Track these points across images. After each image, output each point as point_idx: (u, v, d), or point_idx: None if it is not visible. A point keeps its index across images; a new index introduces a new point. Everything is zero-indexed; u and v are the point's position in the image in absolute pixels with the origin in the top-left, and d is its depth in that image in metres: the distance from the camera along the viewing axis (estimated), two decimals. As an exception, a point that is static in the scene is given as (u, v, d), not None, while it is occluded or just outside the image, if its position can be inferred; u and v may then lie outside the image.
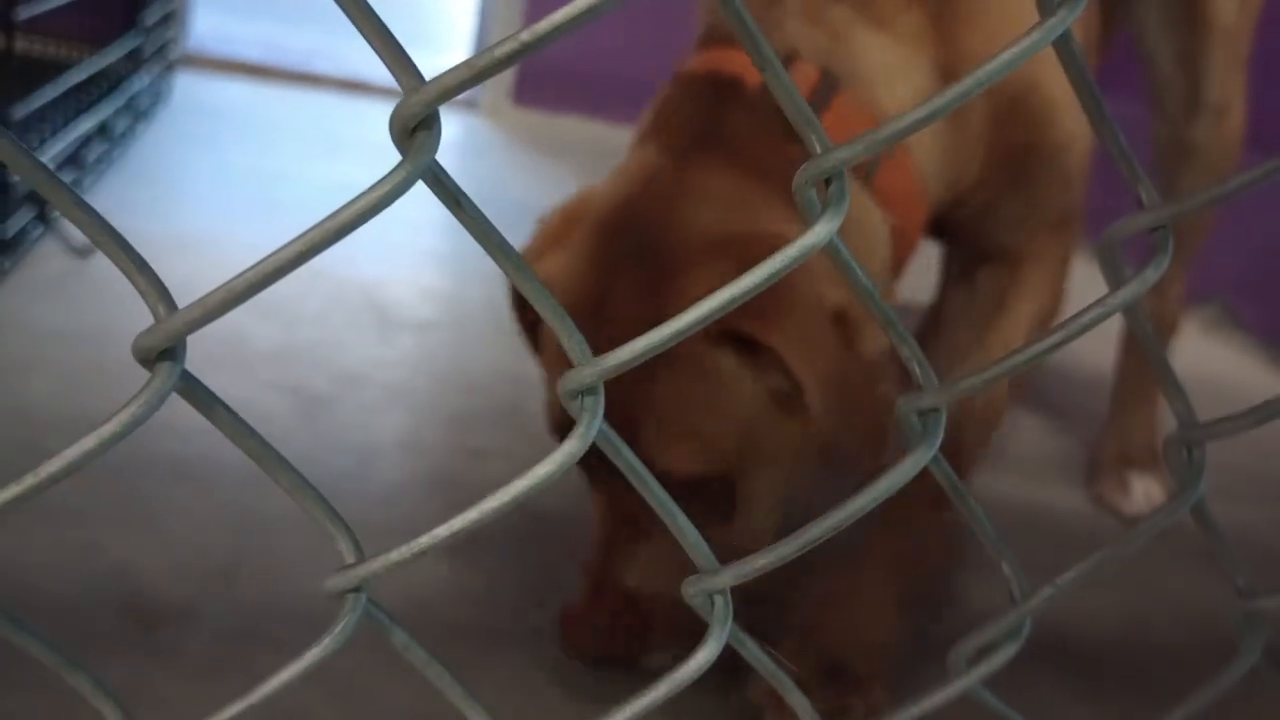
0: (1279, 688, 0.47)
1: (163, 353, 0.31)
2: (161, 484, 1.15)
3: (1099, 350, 1.91)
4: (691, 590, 0.38)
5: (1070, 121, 1.08)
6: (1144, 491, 1.53)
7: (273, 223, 1.90)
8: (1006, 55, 0.32)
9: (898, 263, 1.04)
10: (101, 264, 1.59)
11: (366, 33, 0.30)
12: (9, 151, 0.29)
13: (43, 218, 1.62)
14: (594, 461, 0.79)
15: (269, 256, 0.30)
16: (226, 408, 0.33)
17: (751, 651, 0.40)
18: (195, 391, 0.32)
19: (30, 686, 0.84)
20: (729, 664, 0.69)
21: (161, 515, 1.11)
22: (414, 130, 0.30)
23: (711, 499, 0.93)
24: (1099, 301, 0.37)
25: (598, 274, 0.92)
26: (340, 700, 0.91)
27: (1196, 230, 1.56)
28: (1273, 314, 2.31)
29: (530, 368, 1.58)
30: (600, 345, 0.78)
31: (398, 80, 0.31)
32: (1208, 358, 2.26)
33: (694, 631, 0.81)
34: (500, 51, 0.29)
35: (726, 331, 0.88)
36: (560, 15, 0.28)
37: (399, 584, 1.05)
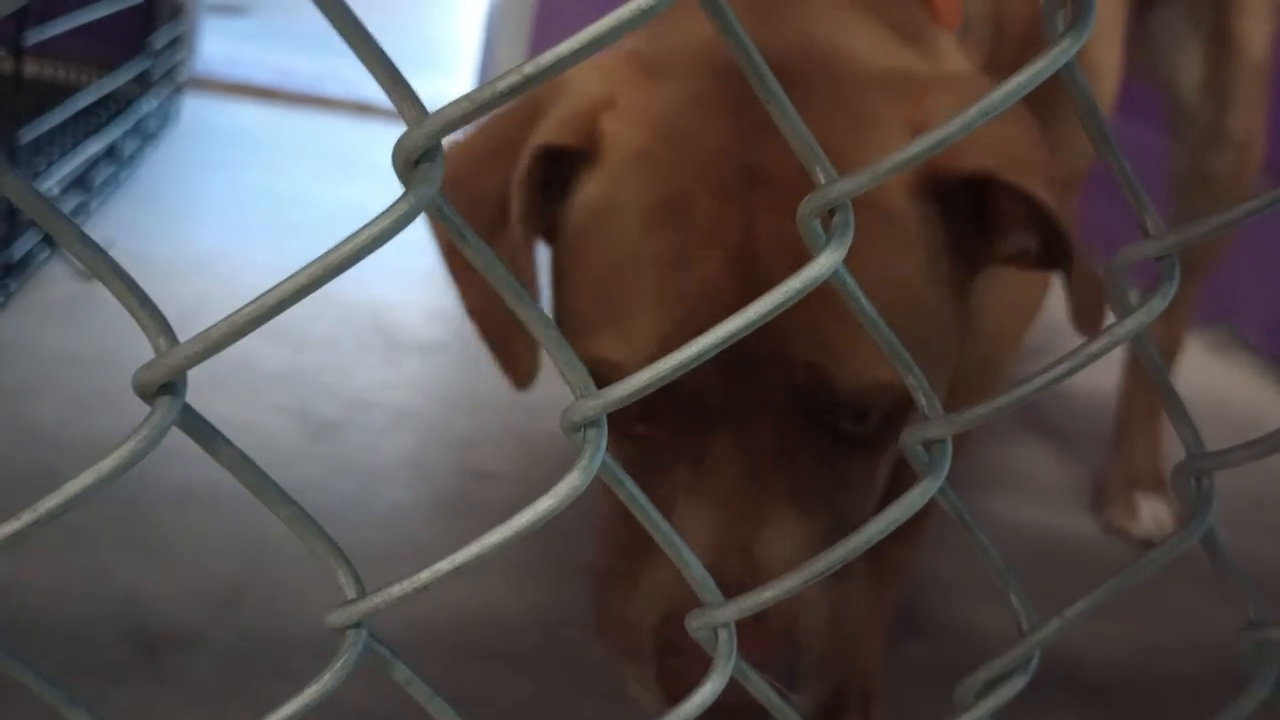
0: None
1: (163, 387, 0.31)
2: (168, 509, 1.15)
3: (1102, 373, 1.90)
4: (695, 624, 0.38)
5: (1102, 51, 1.04)
6: (1152, 515, 1.52)
7: (282, 245, 1.90)
8: (1012, 83, 0.32)
9: None
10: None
11: (369, 65, 0.29)
12: (12, 186, 0.29)
13: (50, 241, 1.63)
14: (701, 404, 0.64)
15: (271, 290, 0.30)
16: (227, 441, 0.33)
17: (757, 686, 0.40)
18: (195, 425, 0.32)
19: (33, 697, 0.84)
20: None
21: (168, 540, 1.11)
22: (417, 162, 0.30)
23: (893, 430, 0.71)
24: (1106, 330, 0.37)
25: (728, 121, 0.70)
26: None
27: (1209, 257, 1.54)
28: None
29: (535, 393, 1.58)
30: (756, 208, 0.69)
31: (400, 112, 0.30)
32: (1215, 380, 2.25)
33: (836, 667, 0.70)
34: (503, 85, 0.29)
35: (938, 181, 0.71)
36: (564, 48, 0.28)
37: (403, 609, 1.05)
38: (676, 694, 0.59)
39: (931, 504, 1.07)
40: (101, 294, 1.56)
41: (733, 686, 0.52)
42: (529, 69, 0.29)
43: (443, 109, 0.30)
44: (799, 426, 0.68)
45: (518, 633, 1.07)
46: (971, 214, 0.73)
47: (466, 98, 0.30)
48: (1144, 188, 0.38)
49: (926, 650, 1.15)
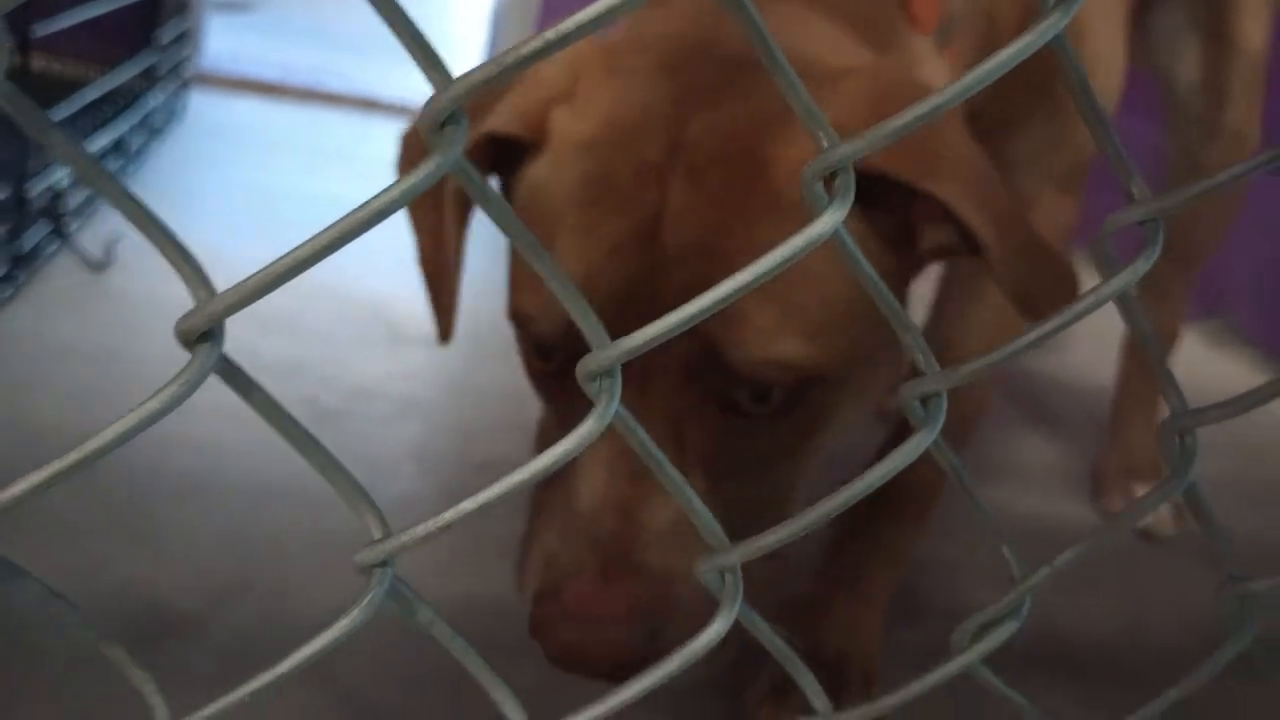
0: (1271, 674, 0.49)
1: (202, 335, 0.33)
2: (169, 500, 1.15)
3: (1100, 362, 1.92)
4: (704, 567, 0.40)
5: (1103, 47, 1.05)
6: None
7: (286, 237, 1.87)
8: (1003, 54, 0.33)
9: None
10: (116, 279, 1.61)
11: (399, 33, 0.31)
12: (61, 145, 0.31)
13: (59, 232, 1.64)
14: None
15: (307, 241, 0.32)
16: (262, 390, 0.35)
17: (762, 631, 0.42)
18: (233, 373, 0.34)
19: (39, 697, 0.84)
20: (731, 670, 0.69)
21: (166, 533, 1.11)
22: (443, 125, 0.32)
23: (799, 410, 0.75)
24: (1091, 290, 0.39)
25: (667, 108, 0.75)
26: (344, 708, 0.91)
27: (1203, 247, 1.56)
28: (1279, 329, 2.32)
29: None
30: (672, 181, 0.72)
31: (426, 76, 0.32)
32: (1213, 372, 2.27)
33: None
34: (526, 49, 0.31)
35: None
36: (587, 13, 0.30)
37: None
38: (549, 649, 0.72)
39: (936, 488, 1.07)
40: (108, 286, 1.59)
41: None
42: (551, 35, 0.31)
43: (468, 72, 0.32)
44: (696, 398, 0.72)
45: (520, 621, 1.08)
46: (898, 206, 0.75)
47: (492, 61, 0.32)
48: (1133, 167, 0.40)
49: (922, 632, 1.17)
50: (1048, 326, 0.38)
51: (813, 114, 0.35)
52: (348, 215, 0.32)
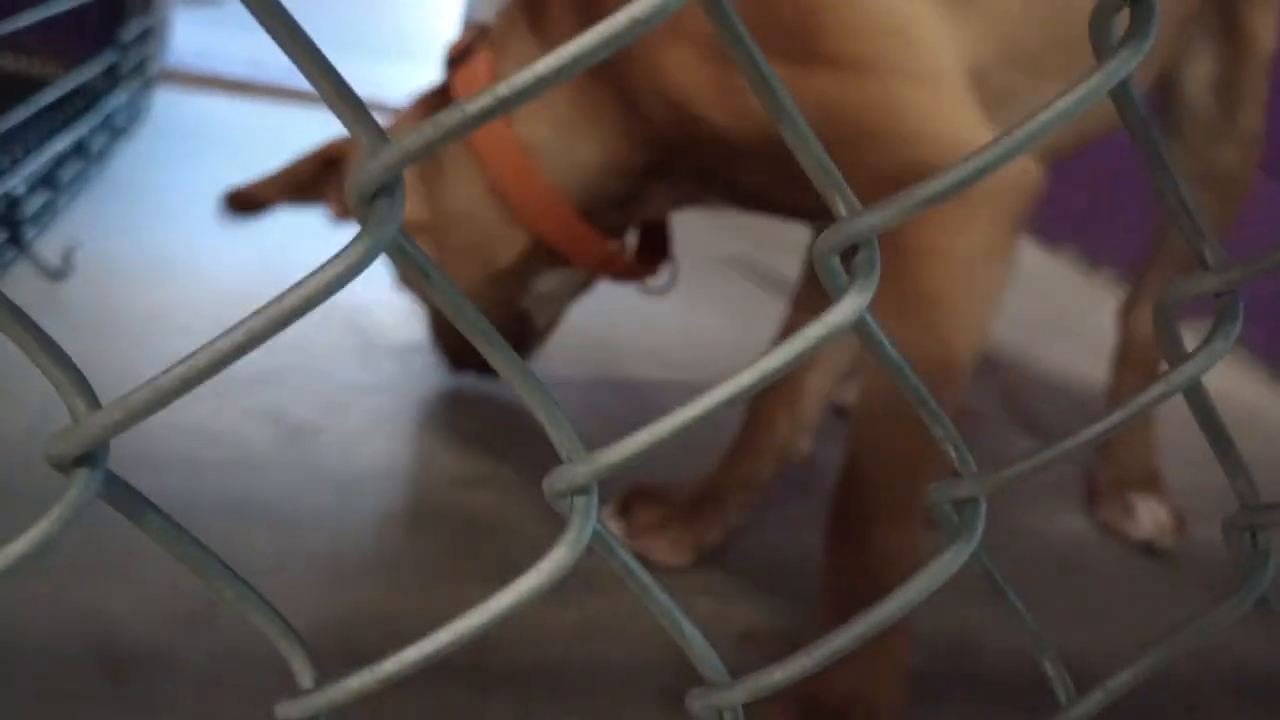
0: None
1: (81, 458, 0.27)
2: (133, 527, 1.10)
3: (1093, 370, 1.88)
4: (698, 704, 0.34)
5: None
6: (1150, 514, 1.49)
7: (253, 241, 1.85)
8: (1062, 103, 0.27)
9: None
10: (75, 288, 1.55)
11: (323, 91, 0.25)
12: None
13: (16, 240, 1.58)
14: None
15: (201, 350, 0.26)
16: (158, 512, 0.29)
17: (616, 555, 0.34)
18: (122, 497, 0.28)
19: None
20: None
21: (132, 556, 1.06)
22: (373, 198, 0.26)
23: None
24: (1162, 379, 0.32)
25: None
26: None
27: (1241, 191, 1.49)
28: None
29: (515, 394, 1.55)
30: None
31: (353, 138, 0.26)
32: (1213, 378, 2.22)
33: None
34: (472, 108, 0.24)
35: None
36: (542, 66, 0.24)
37: (380, 618, 1.01)
38: None
39: (915, 472, 0.94)
40: (67, 295, 1.52)
41: None
42: (502, 90, 0.24)
43: (404, 137, 0.25)
44: None
45: (499, 648, 1.03)
46: None
47: (432, 123, 0.25)
48: (1134, 186, 0.34)
49: (919, 655, 1.12)
50: (1110, 421, 0.32)
51: (829, 173, 0.28)
52: (254, 315, 0.25)
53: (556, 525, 1.21)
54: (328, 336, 1.61)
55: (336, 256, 0.26)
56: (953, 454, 0.33)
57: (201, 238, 1.86)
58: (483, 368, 1.46)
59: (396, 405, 1.48)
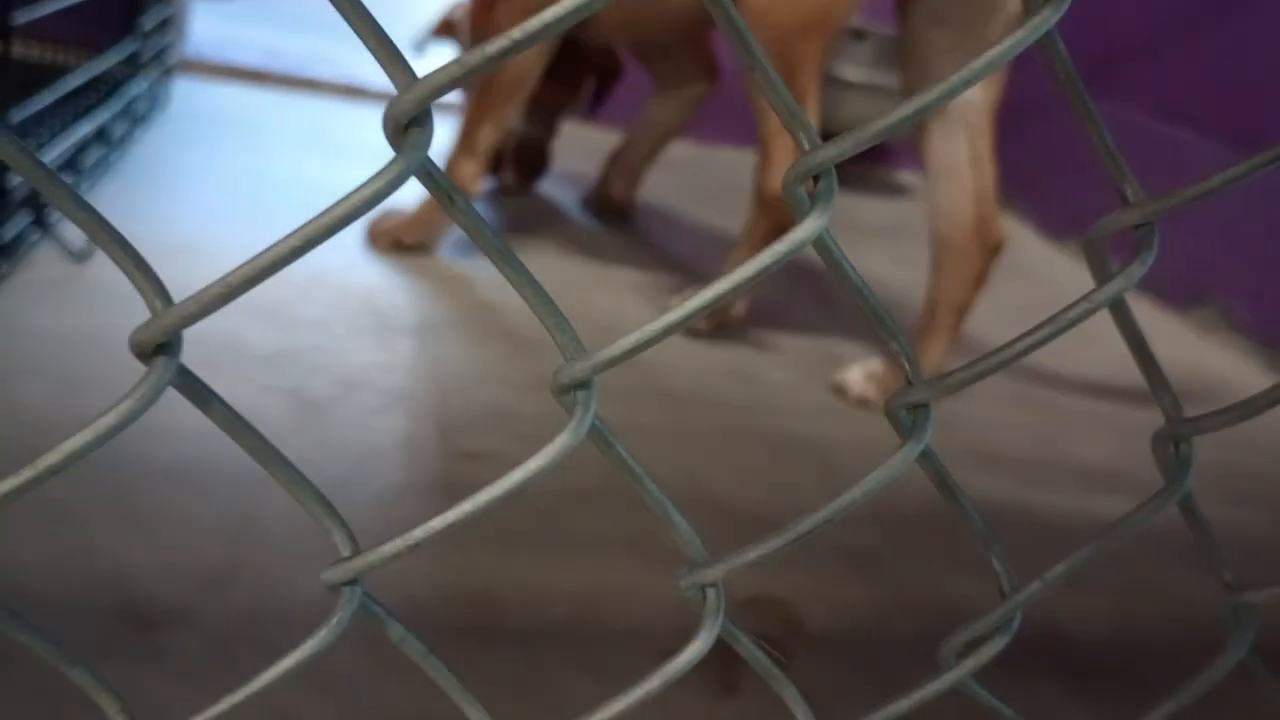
0: (1267, 683, 0.48)
1: (159, 347, 0.31)
2: (158, 487, 1.15)
3: (1084, 350, 1.92)
4: (684, 584, 0.39)
5: None
6: (863, 369, 1.72)
7: (271, 227, 1.90)
8: (991, 53, 0.32)
9: None
10: (98, 268, 1.60)
11: (361, 32, 0.30)
12: (10, 152, 0.29)
13: (40, 222, 1.63)
14: None
15: (264, 251, 0.30)
16: (222, 402, 0.34)
17: (745, 646, 0.41)
18: (191, 386, 0.33)
19: (24, 692, 0.84)
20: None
21: (157, 518, 1.11)
22: (407, 127, 0.31)
23: None
24: (1085, 297, 0.37)
25: None
26: (330, 699, 0.91)
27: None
28: (1270, 316, 2.32)
29: (525, 373, 1.60)
30: None
31: (390, 77, 0.31)
32: (1204, 360, 2.27)
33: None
34: (492, 49, 0.29)
35: None
36: (550, 13, 0.29)
37: (392, 584, 1.05)
38: None
39: None
40: (91, 275, 1.57)
41: None
42: (517, 34, 0.29)
43: (433, 72, 0.30)
44: None
45: (505, 608, 1.08)
46: None
47: (456, 62, 0.30)
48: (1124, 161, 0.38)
49: (911, 624, 1.16)
50: (1042, 334, 0.37)
51: (795, 114, 0.33)
52: (308, 223, 0.30)
53: (563, 499, 1.25)
54: (343, 317, 1.66)
55: (376, 175, 0.31)
56: (906, 366, 0.38)
57: (219, 221, 1.92)
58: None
59: (409, 383, 1.52)
